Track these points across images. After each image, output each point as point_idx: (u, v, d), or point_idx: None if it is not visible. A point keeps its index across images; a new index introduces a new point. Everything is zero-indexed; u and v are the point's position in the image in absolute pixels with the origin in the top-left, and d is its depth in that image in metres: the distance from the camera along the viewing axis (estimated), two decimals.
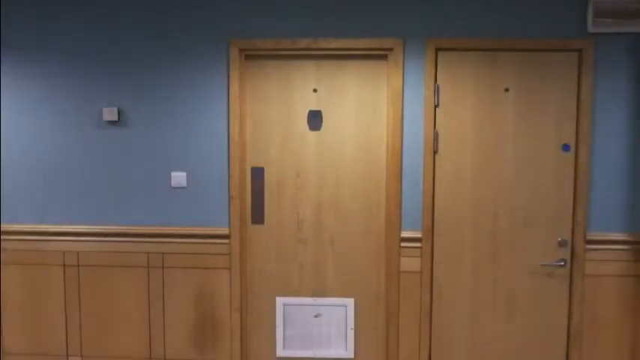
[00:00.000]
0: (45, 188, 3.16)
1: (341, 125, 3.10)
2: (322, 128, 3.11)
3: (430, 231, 3.04)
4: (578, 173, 2.98)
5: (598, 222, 2.99)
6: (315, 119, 3.11)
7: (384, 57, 3.03)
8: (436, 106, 3.01)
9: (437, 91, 3.00)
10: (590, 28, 2.89)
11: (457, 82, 3.00)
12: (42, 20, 3.09)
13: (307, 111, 3.10)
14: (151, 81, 3.08)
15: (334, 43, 3.00)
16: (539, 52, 2.96)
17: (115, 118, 3.08)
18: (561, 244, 3.02)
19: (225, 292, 3.14)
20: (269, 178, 3.14)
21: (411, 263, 3.06)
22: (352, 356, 3.19)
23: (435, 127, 3.02)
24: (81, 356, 3.23)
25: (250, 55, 3.07)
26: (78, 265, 3.17)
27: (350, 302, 3.17)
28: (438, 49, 2.98)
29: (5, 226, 3.18)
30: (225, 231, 3.11)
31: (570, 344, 3.05)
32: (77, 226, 3.16)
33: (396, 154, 3.02)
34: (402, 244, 3.06)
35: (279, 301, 3.19)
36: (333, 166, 3.11)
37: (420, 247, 3.06)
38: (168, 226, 3.12)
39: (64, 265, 3.17)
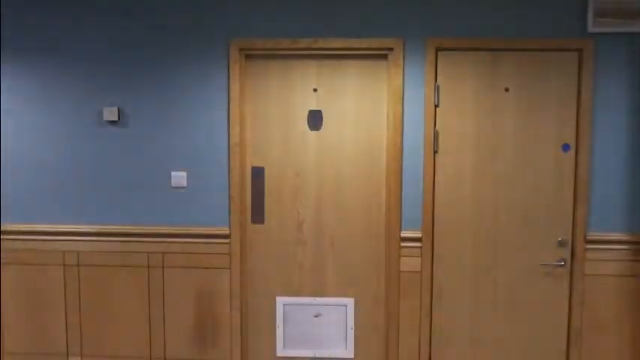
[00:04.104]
0: (45, 188, 3.16)
1: (341, 125, 3.10)
2: (322, 128, 3.11)
3: (430, 231, 3.04)
4: (578, 173, 2.98)
5: (598, 222, 2.99)
6: (315, 119, 3.11)
7: (384, 57, 3.03)
8: (436, 106, 3.01)
9: (437, 90, 3.00)
10: (590, 28, 2.89)
11: (457, 82, 3.00)
12: (42, 21, 3.08)
13: (307, 111, 3.11)
14: (151, 81, 3.08)
15: (334, 43, 3.00)
16: (539, 51, 2.96)
17: (115, 118, 3.08)
18: (561, 244, 3.02)
19: (225, 291, 3.14)
20: (269, 178, 3.14)
21: (411, 263, 3.07)
22: (352, 356, 3.19)
23: (435, 127, 3.02)
24: (81, 356, 3.23)
25: (250, 55, 3.07)
26: (78, 265, 3.17)
27: (350, 302, 3.17)
28: (438, 49, 2.98)
29: (5, 226, 3.18)
30: (225, 231, 3.11)
31: (570, 344, 3.05)
32: (77, 226, 3.16)
33: (396, 153, 3.02)
34: (402, 244, 3.06)
35: (279, 300, 3.19)
36: (333, 165, 3.11)
37: (420, 247, 3.06)
38: (168, 225, 3.13)
39: (64, 265, 3.17)
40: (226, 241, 3.11)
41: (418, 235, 3.06)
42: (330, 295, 3.18)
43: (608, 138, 2.97)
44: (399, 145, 3.02)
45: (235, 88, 3.04)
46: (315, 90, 3.09)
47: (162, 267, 3.14)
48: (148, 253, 3.14)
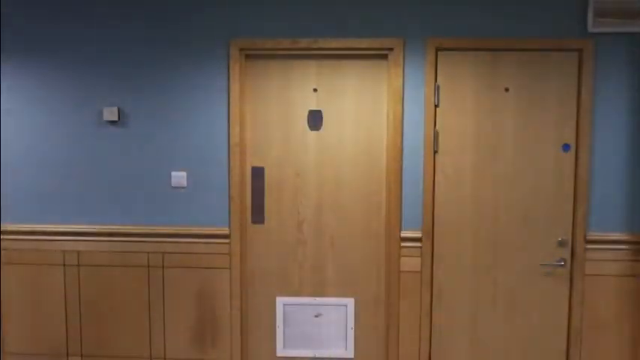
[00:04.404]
0: (45, 188, 3.16)
1: (341, 125, 3.10)
2: (322, 128, 3.11)
3: (430, 231, 3.04)
4: (578, 173, 2.98)
5: (598, 222, 2.99)
6: (315, 119, 3.11)
7: (384, 57, 3.03)
8: (436, 106, 3.01)
9: (437, 91, 3.00)
10: (590, 28, 2.89)
11: (457, 82, 3.00)
12: (42, 21, 3.09)
13: (307, 111, 3.11)
14: (151, 81, 3.08)
15: (334, 43, 3.00)
16: (539, 51, 2.96)
17: (115, 118, 3.08)
18: (561, 244, 3.02)
19: (225, 291, 3.14)
20: (269, 178, 3.14)
21: (411, 263, 3.07)
22: (352, 356, 3.19)
23: (435, 127, 3.02)
24: (81, 356, 3.23)
25: (250, 55, 3.07)
26: (78, 265, 3.17)
27: (350, 302, 3.17)
28: (438, 49, 2.98)
29: (5, 226, 3.18)
30: (225, 231, 3.11)
31: (570, 344, 3.05)
32: (77, 226, 3.16)
33: (396, 153, 3.02)
34: (402, 244, 3.06)
35: (279, 301, 3.19)
36: (333, 165, 3.12)
37: (420, 247, 3.06)
38: (168, 225, 3.13)
39: (64, 265, 3.17)
40: (226, 241, 3.11)
41: (418, 235, 3.06)
42: (330, 295, 3.18)
43: (608, 138, 2.97)
44: (399, 145, 3.02)
45: (235, 88, 3.04)
46: (315, 90, 3.09)
47: (163, 267, 3.14)
48: (148, 253, 3.14)
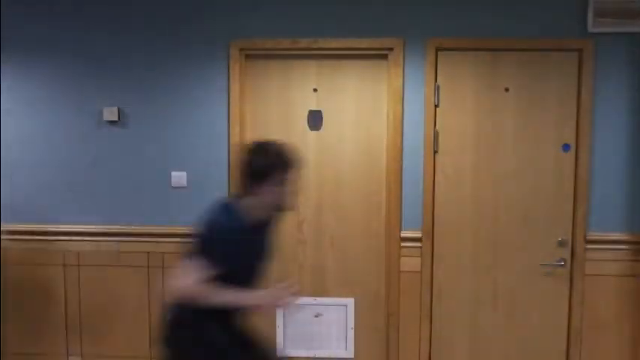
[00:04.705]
0: (45, 188, 3.16)
1: (341, 125, 3.10)
2: (322, 128, 3.11)
3: (430, 231, 3.04)
4: (578, 173, 2.98)
5: (598, 222, 2.99)
6: (315, 119, 3.11)
7: (384, 57, 3.02)
8: (436, 106, 3.01)
9: (437, 91, 3.00)
10: (590, 28, 2.89)
11: (457, 82, 3.00)
12: (42, 20, 3.08)
13: (307, 111, 3.10)
14: (151, 81, 3.07)
15: (334, 43, 3.00)
16: (539, 51, 2.96)
17: (115, 118, 3.08)
18: (561, 244, 3.02)
19: None
20: None
21: (411, 263, 3.06)
22: (352, 356, 3.19)
23: (435, 127, 3.01)
24: (81, 356, 3.22)
25: (250, 55, 3.07)
26: (78, 265, 3.16)
27: (350, 302, 3.17)
28: (438, 49, 2.98)
29: (5, 226, 3.18)
30: None
31: (570, 344, 3.05)
32: (77, 226, 3.16)
33: (396, 153, 3.02)
34: (402, 244, 3.06)
35: None
36: (333, 166, 3.11)
37: (420, 247, 3.06)
38: (168, 225, 3.12)
39: (64, 265, 3.17)
40: None
41: (418, 235, 3.05)
42: (330, 295, 3.18)
43: (608, 138, 2.96)
44: (399, 145, 3.02)
45: (235, 88, 3.04)
46: (315, 90, 3.09)
47: (162, 267, 3.14)
48: (148, 253, 3.14)
